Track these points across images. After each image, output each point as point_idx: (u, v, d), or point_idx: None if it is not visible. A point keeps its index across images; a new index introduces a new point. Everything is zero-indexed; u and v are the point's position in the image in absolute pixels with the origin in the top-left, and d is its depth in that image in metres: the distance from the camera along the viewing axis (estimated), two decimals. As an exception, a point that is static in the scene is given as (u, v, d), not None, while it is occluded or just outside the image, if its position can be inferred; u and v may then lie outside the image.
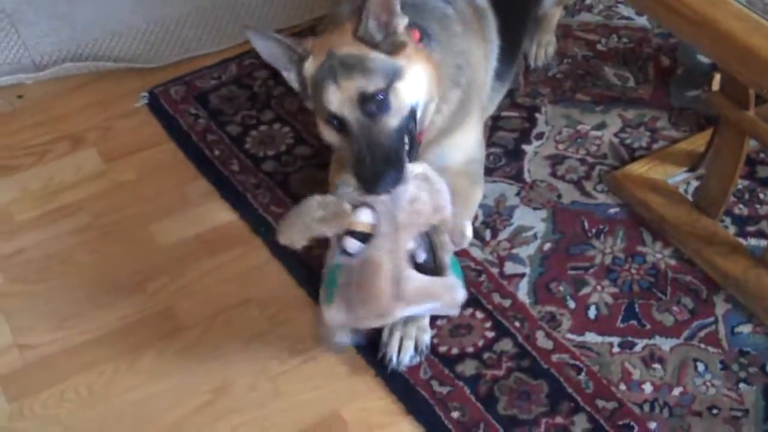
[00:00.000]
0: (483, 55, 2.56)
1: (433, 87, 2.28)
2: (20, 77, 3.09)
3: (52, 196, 2.80)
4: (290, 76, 2.31)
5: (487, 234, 2.59)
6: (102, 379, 2.34)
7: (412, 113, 2.22)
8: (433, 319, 2.38)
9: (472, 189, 2.52)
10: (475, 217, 2.62)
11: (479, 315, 2.40)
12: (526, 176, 2.74)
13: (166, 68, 3.16)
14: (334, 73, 2.18)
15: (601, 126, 2.87)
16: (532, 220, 2.62)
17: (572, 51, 3.13)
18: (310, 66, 2.24)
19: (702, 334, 2.34)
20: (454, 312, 2.26)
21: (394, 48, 2.20)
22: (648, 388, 2.25)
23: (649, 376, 2.27)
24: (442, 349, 2.34)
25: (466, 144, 2.50)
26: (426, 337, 2.34)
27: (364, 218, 2.11)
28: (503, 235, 2.59)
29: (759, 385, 2.24)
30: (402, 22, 2.21)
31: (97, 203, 2.77)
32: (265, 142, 2.89)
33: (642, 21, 3.21)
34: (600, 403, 2.22)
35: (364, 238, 2.10)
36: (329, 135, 2.27)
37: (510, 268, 2.51)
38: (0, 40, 3.11)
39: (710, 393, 2.23)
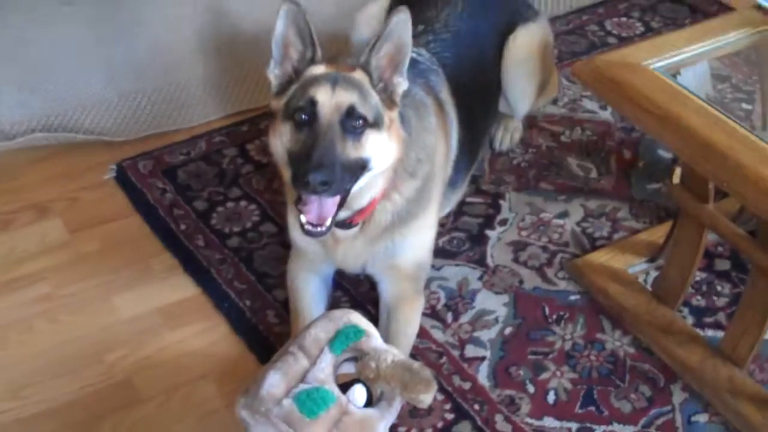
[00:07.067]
0: (445, 153, 2.60)
1: (388, 164, 2.31)
2: (-11, 145, 3.09)
3: (15, 264, 2.78)
4: (275, 71, 2.32)
5: (449, 317, 2.61)
6: (56, 451, 2.31)
7: (366, 166, 2.25)
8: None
9: (416, 298, 2.53)
10: (437, 300, 2.64)
11: (439, 397, 2.40)
12: (489, 261, 2.77)
13: (135, 142, 3.17)
14: (335, 81, 2.24)
15: (564, 215, 2.92)
16: (493, 304, 2.64)
17: (537, 141, 3.19)
18: (313, 70, 2.28)
19: (659, 422, 2.35)
20: None
21: (386, 102, 2.29)
22: (605, 474, 2.25)
23: (606, 462, 2.28)
24: (401, 430, 2.33)
25: (419, 244, 2.51)
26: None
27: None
28: (465, 318, 2.61)
29: (715, 474, 2.26)
30: (403, 84, 2.31)
31: (59, 273, 2.76)
32: (231, 219, 2.91)
33: (605, 115, 3.28)
34: (557, 488, 2.22)
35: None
36: (284, 133, 2.26)
37: (471, 351, 2.52)
38: (-29, 108, 3.10)
39: (667, 481, 2.24)
